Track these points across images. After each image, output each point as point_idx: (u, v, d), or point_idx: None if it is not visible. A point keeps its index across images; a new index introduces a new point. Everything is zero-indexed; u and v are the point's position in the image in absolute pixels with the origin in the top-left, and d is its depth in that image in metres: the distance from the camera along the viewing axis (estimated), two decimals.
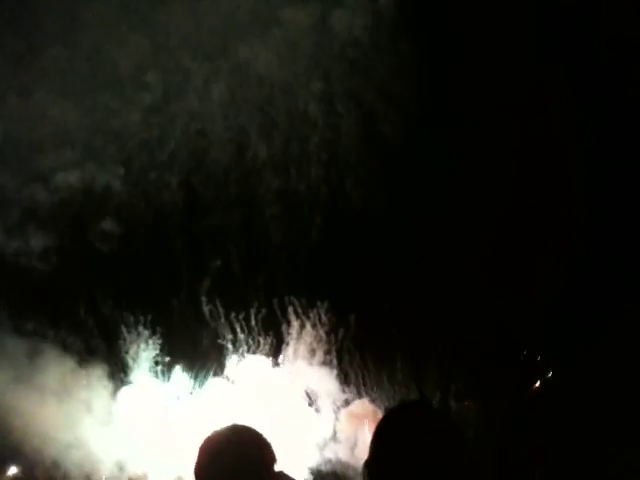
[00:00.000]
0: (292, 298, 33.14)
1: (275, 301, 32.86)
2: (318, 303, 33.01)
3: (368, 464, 2.05)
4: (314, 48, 31.29)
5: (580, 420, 26.07)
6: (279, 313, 33.36)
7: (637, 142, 28.03)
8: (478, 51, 29.19)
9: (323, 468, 30.11)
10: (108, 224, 31.92)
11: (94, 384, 28.34)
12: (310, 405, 32.34)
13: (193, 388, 31.40)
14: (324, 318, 33.33)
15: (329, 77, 31.81)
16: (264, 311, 32.34)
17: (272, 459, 2.45)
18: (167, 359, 31.58)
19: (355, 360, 33.04)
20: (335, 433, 31.46)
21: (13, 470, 26.74)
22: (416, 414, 2.03)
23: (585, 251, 28.15)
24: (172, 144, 31.76)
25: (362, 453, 30.29)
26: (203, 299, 31.18)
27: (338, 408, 32.24)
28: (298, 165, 33.32)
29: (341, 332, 33.10)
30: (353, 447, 30.62)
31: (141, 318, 30.73)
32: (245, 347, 32.93)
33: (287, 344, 33.55)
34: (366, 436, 30.93)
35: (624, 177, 28.48)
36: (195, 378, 31.89)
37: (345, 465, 30.37)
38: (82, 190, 30.72)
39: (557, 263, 27.86)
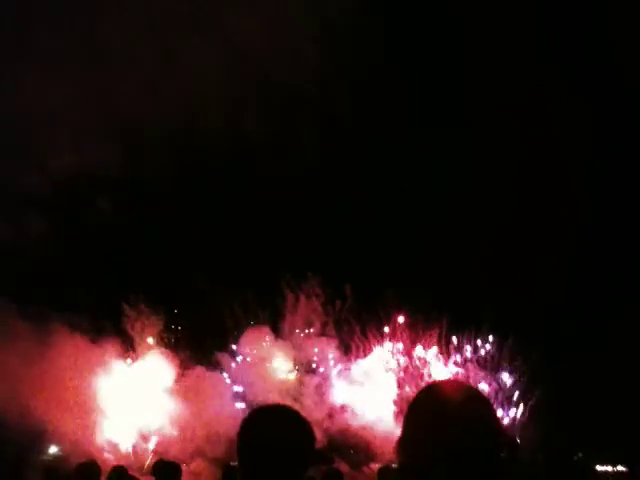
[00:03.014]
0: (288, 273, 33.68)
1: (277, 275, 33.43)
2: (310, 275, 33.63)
3: (401, 442, 2.01)
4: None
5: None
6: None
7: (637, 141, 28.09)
8: (478, 49, 29.17)
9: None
10: (104, 203, 31.96)
11: (106, 361, 28.64)
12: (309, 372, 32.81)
13: (196, 363, 31.75)
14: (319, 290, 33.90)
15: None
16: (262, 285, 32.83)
17: (314, 439, 2.55)
18: (172, 335, 32.00)
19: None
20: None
21: (53, 449, 27.13)
22: (448, 391, 2.06)
23: (586, 252, 28.32)
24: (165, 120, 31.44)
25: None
26: (201, 275, 31.27)
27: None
28: (292, 141, 33.29)
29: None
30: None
31: (142, 296, 30.91)
32: (245, 321, 33.46)
33: (286, 316, 34.04)
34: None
35: (625, 179, 28.60)
36: (199, 352, 32.32)
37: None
38: (78, 171, 30.54)
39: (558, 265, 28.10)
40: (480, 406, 2.01)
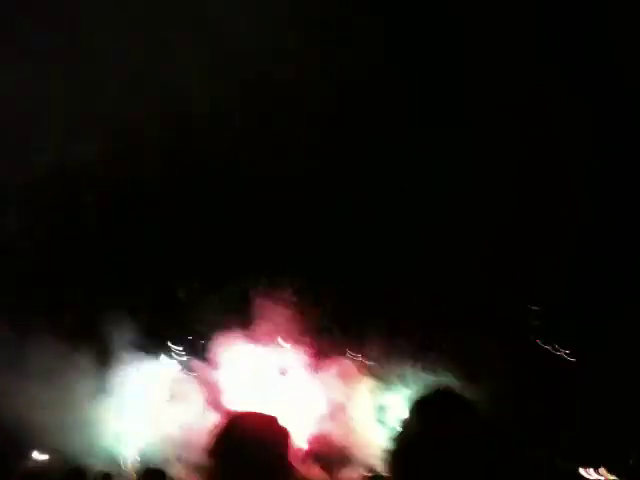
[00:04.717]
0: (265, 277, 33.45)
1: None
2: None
3: (392, 452, 2.09)
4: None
5: None
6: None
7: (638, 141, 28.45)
8: (478, 49, 29.35)
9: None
10: (86, 200, 31.68)
11: (85, 367, 28.37)
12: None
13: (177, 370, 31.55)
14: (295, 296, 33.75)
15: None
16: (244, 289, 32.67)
17: (289, 450, 2.49)
18: (150, 341, 31.72)
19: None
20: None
21: (37, 455, 26.79)
22: (444, 404, 2.11)
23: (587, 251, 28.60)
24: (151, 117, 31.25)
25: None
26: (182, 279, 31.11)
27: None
28: (276, 138, 33.18)
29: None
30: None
31: (120, 300, 30.62)
32: (222, 328, 33.26)
33: (262, 322, 33.90)
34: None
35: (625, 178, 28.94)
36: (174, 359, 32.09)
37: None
38: (58, 167, 30.22)
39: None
40: (474, 427, 2.07)
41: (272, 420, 2.54)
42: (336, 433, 30.39)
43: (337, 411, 31.07)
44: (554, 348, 32.03)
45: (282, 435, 2.51)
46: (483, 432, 2.06)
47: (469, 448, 2.00)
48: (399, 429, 2.12)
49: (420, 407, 2.12)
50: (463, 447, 2.00)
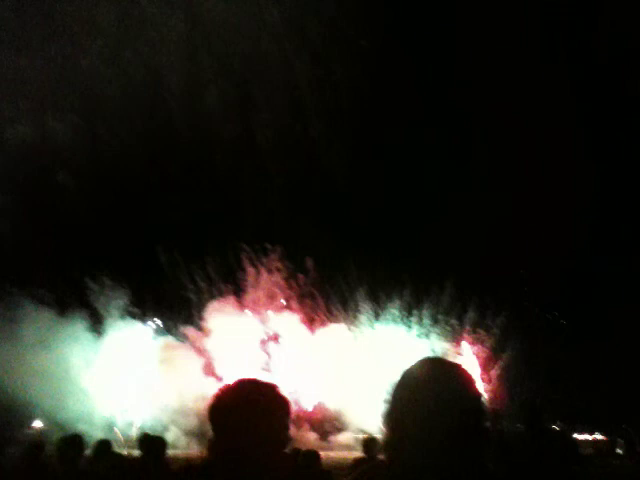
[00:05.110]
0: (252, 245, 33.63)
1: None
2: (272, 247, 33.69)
3: (385, 415, 2.06)
4: None
5: None
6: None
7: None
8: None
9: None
10: (65, 176, 31.49)
11: (78, 336, 28.51)
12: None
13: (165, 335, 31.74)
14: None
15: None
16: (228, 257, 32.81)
17: (289, 414, 2.43)
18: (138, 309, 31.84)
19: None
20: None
21: (38, 424, 26.99)
22: (432, 367, 2.10)
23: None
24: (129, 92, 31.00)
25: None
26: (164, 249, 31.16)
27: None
28: (255, 111, 33.09)
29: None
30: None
31: (107, 271, 30.65)
32: (207, 295, 33.50)
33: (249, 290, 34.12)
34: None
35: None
36: (165, 327, 32.30)
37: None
38: (39, 143, 30.01)
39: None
40: (464, 384, 2.05)
41: (273, 387, 2.50)
42: (330, 398, 30.65)
43: (330, 376, 31.28)
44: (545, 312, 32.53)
45: (283, 402, 2.47)
46: (472, 398, 2.07)
47: (457, 412, 2.01)
48: (390, 394, 2.11)
49: (409, 373, 2.13)
50: (450, 411, 2.01)
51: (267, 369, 31.27)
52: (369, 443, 8.31)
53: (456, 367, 2.10)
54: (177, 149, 33.45)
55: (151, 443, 7.58)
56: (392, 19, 32.37)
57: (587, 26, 28.63)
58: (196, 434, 24.34)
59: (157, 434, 8.58)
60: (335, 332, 33.07)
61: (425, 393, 2.03)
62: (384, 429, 2.09)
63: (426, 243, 30.99)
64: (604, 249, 30.31)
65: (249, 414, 2.33)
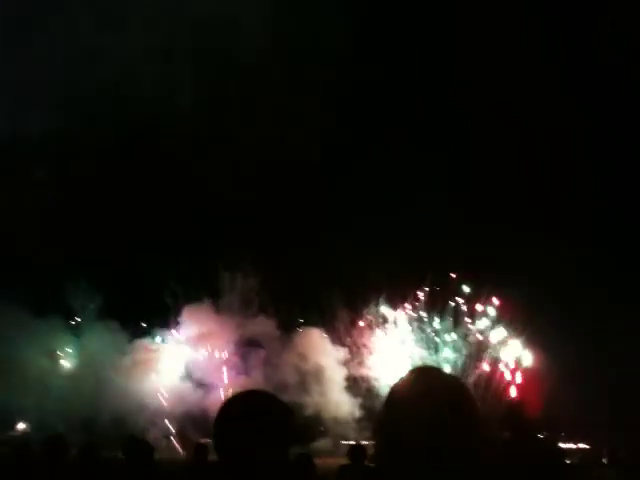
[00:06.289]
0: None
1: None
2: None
3: (378, 422, 2.08)
4: None
5: None
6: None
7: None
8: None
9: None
10: (40, 173, 31.24)
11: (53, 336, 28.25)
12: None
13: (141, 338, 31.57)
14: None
15: None
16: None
17: (291, 415, 2.50)
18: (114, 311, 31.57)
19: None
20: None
21: (21, 426, 26.64)
22: (429, 377, 2.11)
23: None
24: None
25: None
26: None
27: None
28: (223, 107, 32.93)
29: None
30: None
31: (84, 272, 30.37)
32: (183, 299, 33.37)
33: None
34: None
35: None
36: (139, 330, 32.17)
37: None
38: (13, 138, 29.69)
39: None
40: (461, 395, 2.06)
41: (274, 397, 2.53)
42: (308, 403, 30.58)
43: (308, 381, 31.23)
44: None
45: (288, 412, 2.51)
46: (465, 407, 2.08)
47: (450, 425, 2.02)
48: (384, 403, 2.14)
49: (405, 382, 2.16)
50: (444, 423, 2.01)
51: (244, 373, 31.08)
52: (356, 450, 8.35)
53: (453, 378, 2.12)
54: (155, 147, 32.97)
55: (136, 446, 7.50)
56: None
57: (587, 26, 28.84)
58: (176, 437, 24.42)
59: (139, 436, 8.56)
60: (311, 336, 32.93)
61: (423, 402, 2.02)
62: (376, 436, 2.10)
63: (402, 246, 30.98)
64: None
65: (255, 422, 2.37)
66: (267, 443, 2.37)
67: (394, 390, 2.15)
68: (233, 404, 2.49)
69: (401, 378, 2.19)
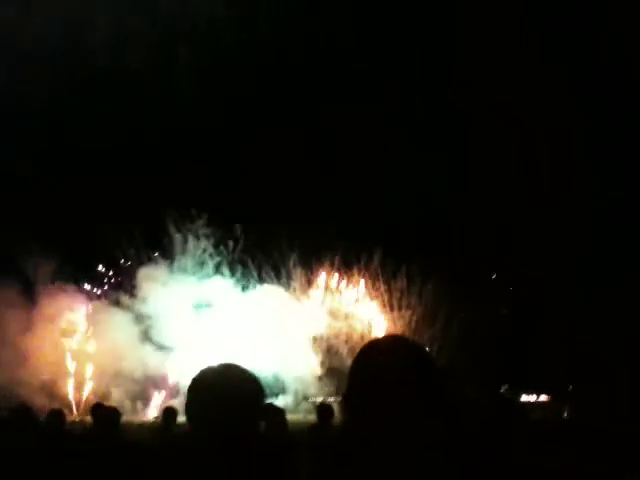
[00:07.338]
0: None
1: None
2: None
3: (345, 396, 2.10)
4: None
5: None
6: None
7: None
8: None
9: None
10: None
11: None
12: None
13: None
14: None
15: None
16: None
17: (263, 393, 2.52)
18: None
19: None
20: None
21: None
22: (393, 346, 2.15)
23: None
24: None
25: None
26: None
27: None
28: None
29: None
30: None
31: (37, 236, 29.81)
32: (136, 260, 33.15)
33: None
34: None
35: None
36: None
37: None
38: None
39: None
40: (428, 360, 2.10)
41: (245, 370, 2.57)
42: (267, 361, 30.75)
43: (268, 338, 31.31)
44: None
45: (260, 390, 2.54)
46: (432, 375, 2.14)
47: (417, 390, 2.07)
48: (355, 363, 2.20)
49: (375, 345, 2.23)
50: (410, 389, 2.07)
51: (201, 335, 31.04)
52: (324, 409, 8.38)
53: (421, 346, 2.19)
54: (104, 107, 32.23)
55: (105, 413, 7.45)
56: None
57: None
58: (140, 398, 24.31)
59: (100, 399, 8.53)
60: (269, 293, 32.92)
61: (392, 363, 2.07)
62: (346, 396, 2.15)
63: (359, 209, 31.19)
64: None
65: (224, 395, 2.40)
66: (238, 420, 2.41)
67: (363, 352, 2.18)
68: (209, 377, 2.52)
69: (370, 341, 2.24)
